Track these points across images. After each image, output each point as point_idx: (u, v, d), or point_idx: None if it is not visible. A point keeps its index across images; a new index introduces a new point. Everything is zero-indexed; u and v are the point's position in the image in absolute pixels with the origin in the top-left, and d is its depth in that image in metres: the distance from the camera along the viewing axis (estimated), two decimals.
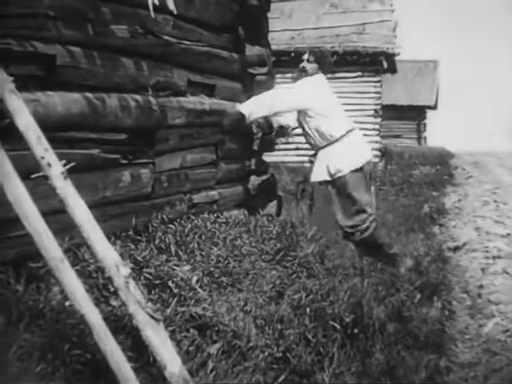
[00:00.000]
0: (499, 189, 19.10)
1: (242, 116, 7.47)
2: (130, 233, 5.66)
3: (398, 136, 40.66)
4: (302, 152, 18.50)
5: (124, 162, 5.71)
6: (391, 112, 35.49)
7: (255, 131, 8.13)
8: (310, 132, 7.94)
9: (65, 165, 4.07)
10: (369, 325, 5.96)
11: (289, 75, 20.45)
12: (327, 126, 7.86)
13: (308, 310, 5.67)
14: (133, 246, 5.40)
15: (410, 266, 8.17)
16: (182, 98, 6.59)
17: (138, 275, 4.88)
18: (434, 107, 45.26)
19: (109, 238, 4.32)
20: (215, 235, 6.32)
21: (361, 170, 7.89)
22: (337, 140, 7.88)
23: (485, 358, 6.55)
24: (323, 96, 7.95)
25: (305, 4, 21.85)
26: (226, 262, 5.89)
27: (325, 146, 7.94)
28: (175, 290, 5.00)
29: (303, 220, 8.08)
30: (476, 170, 25.59)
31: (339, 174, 7.83)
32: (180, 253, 5.69)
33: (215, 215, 6.97)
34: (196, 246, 5.94)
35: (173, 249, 5.69)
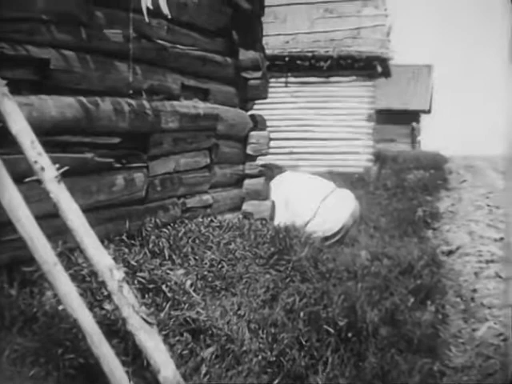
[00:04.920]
0: (492, 193, 19.12)
1: None
2: (124, 237, 5.65)
3: (391, 140, 40.65)
4: (295, 156, 18.54)
5: (118, 165, 5.71)
6: (385, 116, 35.48)
7: None
8: None
9: (58, 169, 4.07)
10: (362, 329, 5.97)
11: (282, 80, 20.51)
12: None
13: (302, 313, 5.68)
14: (126, 250, 5.40)
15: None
16: (175, 102, 6.59)
17: (132, 279, 4.87)
18: (428, 111, 45.31)
19: (102, 242, 4.31)
20: (209, 239, 6.32)
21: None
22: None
23: (478, 362, 6.56)
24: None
25: (299, 8, 21.85)
26: (220, 265, 5.89)
27: None
28: (169, 294, 5.00)
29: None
30: (470, 175, 25.61)
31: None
32: (174, 257, 5.69)
33: (209, 219, 6.97)
34: (190, 250, 5.94)
35: (166, 253, 5.69)
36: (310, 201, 8.86)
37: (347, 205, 9.21)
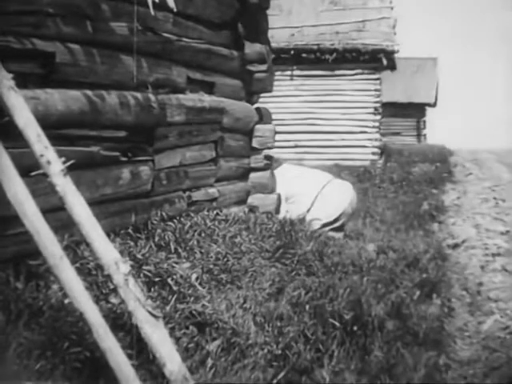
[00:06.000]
0: (498, 186, 19.09)
1: None
2: (130, 230, 5.66)
3: (397, 133, 40.58)
4: (300, 150, 18.52)
5: (123, 159, 5.71)
6: (390, 109, 35.41)
7: None
8: None
9: (64, 162, 4.07)
10: (368, 322, 5.96)
11: (288, 73, 20.49)
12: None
13: (307, 307, 5.67)
14: (132, 244, 5.40)
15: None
16: (181, 96, 6.58)
17: (138, 272, 4.88)
18: (434, 105, 45.21)
19: (108, 236, 4.32)
20: (214, 232, 6.32)
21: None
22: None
23: (484, 355, 6.55)
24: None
25: (304, 1, 21.82)
26: (226, 259, 5.89)
27: None
28: (175, 288, 5.00)
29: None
30: (475, 168, 25.55)
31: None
32: (179, 250, 5.69)
33: (215, 212, 6.97)
34: (195, 243, 5.94)
35: (172, 246, 5.69)
36: (309, 189, 9.01)
37: (345, 193, 9.44)
